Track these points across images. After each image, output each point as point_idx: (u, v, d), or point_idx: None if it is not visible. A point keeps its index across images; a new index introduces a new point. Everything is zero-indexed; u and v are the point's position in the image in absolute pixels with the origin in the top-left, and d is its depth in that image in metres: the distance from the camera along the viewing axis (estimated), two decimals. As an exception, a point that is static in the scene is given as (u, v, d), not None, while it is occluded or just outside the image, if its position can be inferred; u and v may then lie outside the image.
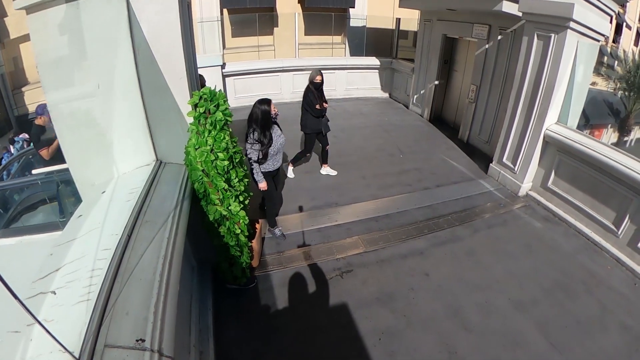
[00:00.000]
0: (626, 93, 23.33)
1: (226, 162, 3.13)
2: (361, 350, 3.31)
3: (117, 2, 2.66)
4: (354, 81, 11.00)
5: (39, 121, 5.09)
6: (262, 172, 4.20)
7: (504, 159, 6.17)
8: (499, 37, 7.05)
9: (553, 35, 5.26)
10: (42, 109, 5.07)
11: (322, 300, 3.77)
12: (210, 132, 3.05)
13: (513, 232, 5.09)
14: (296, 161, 6.20)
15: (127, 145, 3.07)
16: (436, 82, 9.17)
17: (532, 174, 5.94)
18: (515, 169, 5.99)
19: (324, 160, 6.28)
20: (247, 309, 3.63)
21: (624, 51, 24.76)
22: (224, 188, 3.19)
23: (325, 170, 6.32)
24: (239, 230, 3.43)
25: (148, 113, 3.06)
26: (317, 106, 5.62)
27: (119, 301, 1.85)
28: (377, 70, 11.12)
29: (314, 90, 5.67)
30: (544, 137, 5.70)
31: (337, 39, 14.44)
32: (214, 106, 3.05)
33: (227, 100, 3.22)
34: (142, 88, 2.97)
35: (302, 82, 9.88)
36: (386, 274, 4.19)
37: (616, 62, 24.20)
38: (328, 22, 13.80)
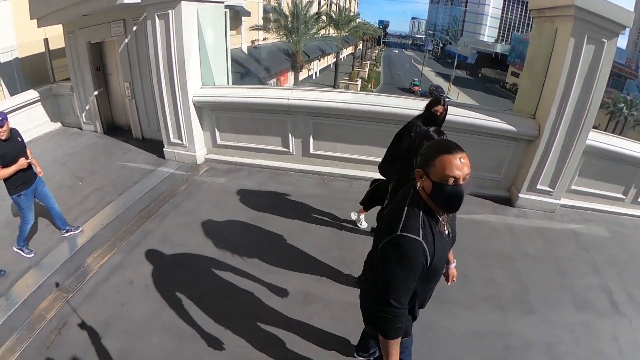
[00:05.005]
0: (289, 38, 28.29)
1: None
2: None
3: None
4: (20, 125, 9.46)
5: None
6: None
7: (171, 139, 6.61)
8: (134, 29, 7.30)
9: (171, 11, 5.74)
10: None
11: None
12: None
13: (200, 198, 5.63)
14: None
15: None
16: (96, 93, 8.94)
17: (200, 140, 6.57)
18: (184, 143, 6.50)
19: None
20: None
21: (278, 4, 29.58)
22: None
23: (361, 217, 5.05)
24: None
25: None
26: None
27: None
28: (39, 103, 10.06)
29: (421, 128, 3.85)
30: (194, 105, 6.29)
31: (-15, 83, 12.36)
32: None
33: None
34: None
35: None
36: (96, 306, 4.07)
37: (280, 16, 28.75)
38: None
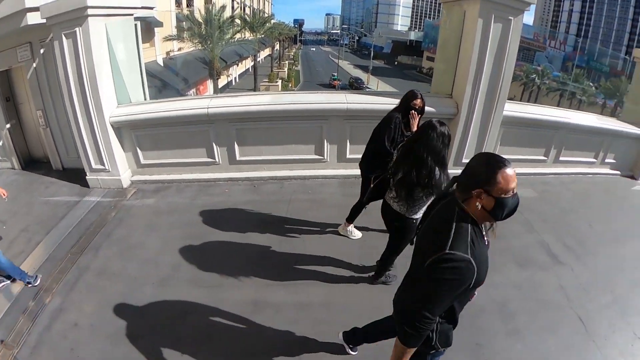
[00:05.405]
0: (204, 45, 27.83)
1: None
2: None
3: None
4: None
5: None
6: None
7: (93, 165, 6.29)
8: (42, 51, 6.86)
9: (78, 29, 5.46)
10: None
11: None
12: None
13: (131, 223, 5.42)
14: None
15: None
16: (8, 126, 8.36)
17: (123, 162, 6.32)
18: (107, 167, 6.22)
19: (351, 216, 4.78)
20: None
21: (191, 12, 28.95)
22: None
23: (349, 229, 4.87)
24: None
25: None
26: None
27: None
28: (-53, 146, 9.26)
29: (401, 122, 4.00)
30: (112, 126, 6.01)
31: None
32: None
33: None
34: None
35: None
36: (45, 356, 3.78)
37: (193, 24, 28.17)
38: None
